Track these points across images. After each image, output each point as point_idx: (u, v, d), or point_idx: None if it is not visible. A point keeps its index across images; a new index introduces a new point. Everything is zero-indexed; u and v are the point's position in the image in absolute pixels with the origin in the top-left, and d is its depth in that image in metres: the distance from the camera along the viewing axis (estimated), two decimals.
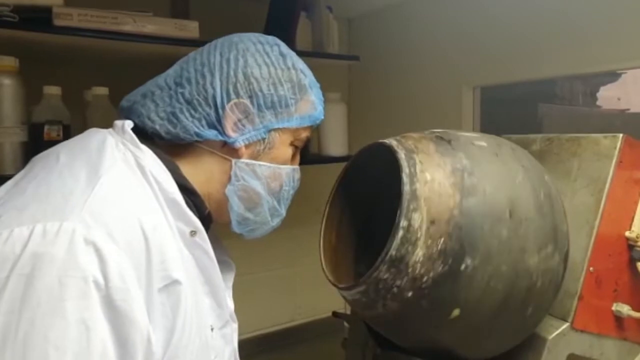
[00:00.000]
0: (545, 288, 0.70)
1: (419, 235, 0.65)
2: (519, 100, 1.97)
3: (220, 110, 0.64)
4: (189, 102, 0.64)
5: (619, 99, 2.49)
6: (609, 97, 2.55)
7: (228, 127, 0.65)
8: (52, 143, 1.11)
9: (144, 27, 1.16)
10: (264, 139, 0.67)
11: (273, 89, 0.66)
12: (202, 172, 0.66)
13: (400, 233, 0.65)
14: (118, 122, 0.65)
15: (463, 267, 0.65)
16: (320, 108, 0.72)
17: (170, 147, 0.65)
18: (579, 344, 0.76)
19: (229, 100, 0.64)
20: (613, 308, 0.78)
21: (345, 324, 1.04)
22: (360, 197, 0.86)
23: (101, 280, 0.48)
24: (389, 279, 0.66)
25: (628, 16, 1.07)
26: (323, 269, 0.81)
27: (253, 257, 1.58)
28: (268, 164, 0.69)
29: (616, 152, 0.78)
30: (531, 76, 1.34)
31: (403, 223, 0.65)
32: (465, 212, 0.66)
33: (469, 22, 1.42)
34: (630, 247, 0.79)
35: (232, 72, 0.65)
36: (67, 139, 1.11)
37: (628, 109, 2.46)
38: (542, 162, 0.83)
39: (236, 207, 0.69)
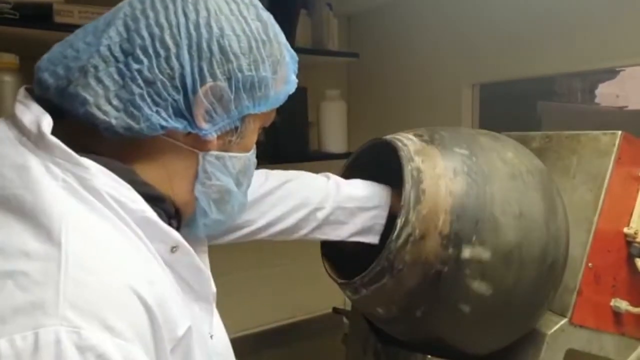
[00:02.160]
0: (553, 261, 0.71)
1: (423, 225, 0.67)
2: (518, 98, 1.98)
3: (190, 96, 0.49)
4: (150, 84, 0.48)
5: (617, 96, 2.49)
6: (607, 94, 2.55)
7: (199, 115, 0.51)
8: None
9: None
10: (236, 128, 0.55)
11: (254, 69, 0.52)
12: (162, 169, 0.53)
13: (404, 227, 0.66)
14: (26, 120, 0.46)
15: (469, 252, 0.66)
16: (293, 78, 0.59)
17: (116, 143, 0.49)
18: (577, 339, 0.77)
19: (202, 82, 0.50)
20: (611, 303, 0.79)
21: (346, 319, 1.05)
22: None
23: None
24: (395, 271, 0.67)
25: (626, 13, 1.07)
26: (325, 268, 0.81)
27: (253, 254, 1.58)
28: (239, 155, 0.57)
29: (615, 149, 0.79)
30: (530, 74, 1.35)
31: (407, 216, 0.66)
32: (467, 200, 0.67)
33: (468, 20, 1.42)
34: (629, 243, 0.80)
35: (204, 44, 0.49)
36: None
37: (626, 106, 2.47)
38: (542, 159, 0.83)
39: (209, 210, 0.57)
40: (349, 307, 1.05)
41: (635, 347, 0.79)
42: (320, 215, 0.75)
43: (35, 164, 0.44)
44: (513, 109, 1.94)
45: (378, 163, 0.81)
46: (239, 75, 0.52)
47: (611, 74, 2.42)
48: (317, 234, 0.77)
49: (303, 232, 0.76)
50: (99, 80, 0.48)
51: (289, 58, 0.58)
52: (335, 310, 1.11)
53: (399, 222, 0.67)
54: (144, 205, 0.48)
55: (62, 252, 0.40)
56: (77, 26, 1.09)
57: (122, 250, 0.44)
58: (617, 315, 0.79)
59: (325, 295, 1.36)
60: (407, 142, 0.73)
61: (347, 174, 0.85)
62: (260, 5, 0.56)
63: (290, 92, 0.59)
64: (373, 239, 0.77)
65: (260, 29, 0.54)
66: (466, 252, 0.66)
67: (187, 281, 0.54)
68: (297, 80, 0.59)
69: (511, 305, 0.69)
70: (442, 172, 0.69)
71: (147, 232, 0.47)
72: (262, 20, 0.55)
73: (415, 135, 0.76)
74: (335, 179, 0.79)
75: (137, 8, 0.50)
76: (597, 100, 2.58)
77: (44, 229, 0.41)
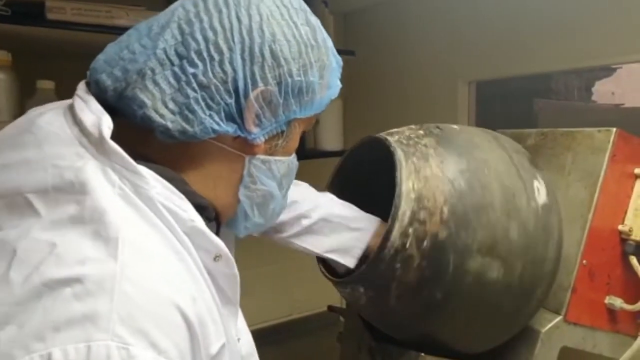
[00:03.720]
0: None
1: (417, 220, 0.67)
2: (514, 95, 1.98)
3: (242, 100, 0.50)
4: (204, 88, 0.48)
5: (613, 94, 2.50)
6: (604, 91, 2.56)
7: (249, 119, 0.51)
8: None
9: (137, 21, 1.14)
10: (282, 132, 0.55)
11: (303, 74, 0.53)
12: (208, 174, 0.53)
13: (399, 221, 0.66)
14: (87, 121, 0.47)
15: (465, 249, 0.66)
16: (337, 82, 0.59)
17: (165, 146, 0.50)
18: (572, 337, 0.77)
19: (254, 87, 0.50)
20: (606, 301, 0.79)
21: (341, 318, 1.04)
22: (355, 191, 0.86)
23: None
24: (391, 268, 0.67)
25: (623, 10, 1.07)
26: (320, 267, 0.81)
27: (248, 252, 1.58)
28: (283, 159, 0.57)
29: (610, 146, 0.78)
30: (526, 71, 1.35)
31: (400, 211, 0.66)
32: (461, 193, 0.68)
33: (464, 17, 1.42)
34: (623, 240, 0.80)
35: (256, 48, 0.50)
36: None
37: (623, 104, 2.47)
38: (537, 157, 0.83)
39: (251, 214, 0.58)
40: (344, 306, 1.05)
41: (630, 345, 0.79)
42: (305, 222, 0.75)
43: (93, 169, 0.44)
44: (509, 106, 1.94)
45: (372, 160, 0.80)
46: (289, 79, 0.52)
47: (608, 71, 2.42)
48: (296, 240, 0.76)
49: (284, 234, 0.76)
50: (156, 83, 0.48)
51: (335, 63, 0.58)
52: (330, 308, 1.10)
53: (398, 210, 0.67)
54: (194, 214, 0.49)
55: (117, 265, 0.40)
56: (69, 23, 1.10)
57: (170, 265, 0.44)
58: (611, 312, 0.79)
59: (321, 293, 1.36)
60: (399, 139, 0.73)
61: (341, 172, 0.85)
62: (308, 9, 0.56)
63: (333, 97, 0.59)
64: (349, 261, 0.75)
65: (309, 33, 0.54)
66: (465, 238, 0.66)
67: (223, 288, 0.53)
68: (340, 85, 0.59)
69: (510, 290, 0.70)
70: (434, 162, 0.70)
71: (194, 241, 0.48)
72: (311, 25, 0.55)
73: (408, 131, 0.76)
74: (331, 196, 0.80)
75: (190, 11, 0.50)
76: (593, 97, 2.59)
77: (101, 239, 0.41)
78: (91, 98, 0.50)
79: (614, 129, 0.79)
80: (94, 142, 0.46)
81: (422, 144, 0.73)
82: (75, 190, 0.43)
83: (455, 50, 1.45)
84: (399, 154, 0.70)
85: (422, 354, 0.74)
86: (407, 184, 0.68)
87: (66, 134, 0.47)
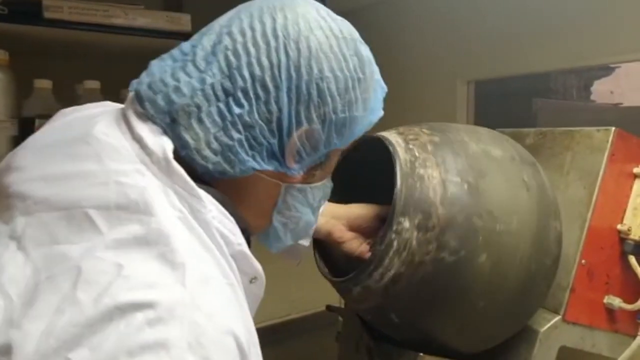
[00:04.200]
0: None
1: (416, 217, 0.67)
2: (513, 95, 1.98)
3: (285, 139, 0.49)
4: (248, 129, 0.48)
5: (611, 93, 2.50)
6: (602, 91, 2.56)
7: (289, 156, 0.50)
8: None
9: (135, 20, 1.15)
10: (322, 162, 0.55)
11: (348, 110, 0.51)
12: (246, 199, 0.52)
13: (398, 216, 0.66)
14: (148, 140, 0.45)
15: (462, 250, 0.66)
16: (380, 110, 0.58)
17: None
18: (570, 337, 0.77)
19: (298, 126, 0.49)
20: (604, 300, 0.79)
21: (339, 317, 1.04)
22: (354, 190, 0.85)
23: None
24: (389, 265, 0.67)
25: (622, 9, 1.07)
26: (318, 266, 0.81)
27: None
28: (320, 184, 0.57)
29: (608, 145, 0.78)
30: (525, 70, 1.35)
31: (399, 207, 0.67)
32: (459, 192, 0.68)
33: (463, 16, 1.42)
34: (622, 239, 0.79)
35: (304, 86, 0.48)
36: None
37: (621, 103, 2.47)
38: (536, 156, 0.83)
39: (284, 238, 0.58)
40: (342, 306, 1.05)
41: (629, 344, 0.79)
42: None
43: (157, 190, 0.43)
44: (508, 106, 1.94)
45: (372, 159, 0.80)
46: (333, 117, 0.51)
47: (606, 70, 2.42)
48: None
49: None
50: (201, 121, 0.47)
51: (380, 93, 0.57)
52: (328, 308, 1.10)
53: (397, 206, 0.67)
54: (241, 238, 0.49)
55: (186, 292, 0.39)
56: (66, 22, 1.09)
57: (225, 292, 0.44)
58: (610, 312, 0.79)
59: (319, 293, 1.36)
60: (398, 138, 0.74)
61: (340, 172, 0.84)
62: (359, 38, 0.55)
63: (374, 122, 0.57)
64: (304, 242, 0.75)
65: (357, 65, 0.52)
66: (465, 232, 0.66)
67: (249, 309, 0.53)
68: (382, 113, 0.58)
69: (512, 284, 0.69)
70: (432, 159, 0.70)
71: (238, 264, 0.47)
72: (360, 55, 0.53)
73: (407, 130, 0.76)
74: None
75: (238, 41, 0.48)
76: (592, 97, 2.59)
77: (168, 263, 0.40)
78: (146, 118, 0.48)
79: (613, 129, 0.79)
80: (156, 162, 0.45)
81: (419, 141, 0.73)
82: (139, 210, 0.42)
83: (454, 50, 1.45)
84: (397, 152, 0.70)
85: (421, 354, 0.74)
86: (406, 181, 0.68)
87: (126, 150, 0.46)
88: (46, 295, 0.38)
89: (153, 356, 0.36)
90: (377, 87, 0.56)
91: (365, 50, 0.54)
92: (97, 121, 0.48)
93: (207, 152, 0.47)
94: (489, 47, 1.35)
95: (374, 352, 0.84)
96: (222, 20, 0.51)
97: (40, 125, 1.08)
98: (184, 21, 1.22)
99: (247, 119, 0.47)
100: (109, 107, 0.53)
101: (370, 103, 0.55)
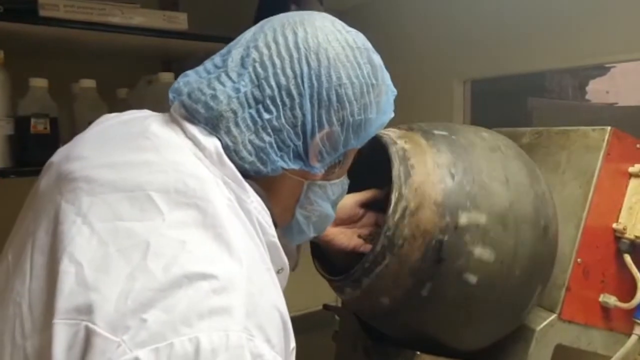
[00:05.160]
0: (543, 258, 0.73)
1: (413, 214, 0.67)
2: (509, 94, 1.98)
3: (309, 140, 0.55)
4: (277, 132, 0.54)
5: (607, 92, 2.51)
6: (598, 90, 2.57)
7: (312, 156, 0.56)
8: (39, 136, 1.11)
9: (131, 19, 1.15)
10: (340, 161, 0.60)
11: (363, 113, 0.57)
12: (274, 195, 0.57)
13: (396, 213, 0.67)
14: (200, 137, 0.52)
15: (461, 244, 0.67)
16: (391, 111, 0.63)
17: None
18: (566, 335, 0.77)
19: (320, 129, 0.55)
20: (600, 299, 0.79)
21: (336, 316, 1.04)
22: (350, 190, 0.86)
23: None
24: (389, 262, 0.68)
25: (617, 10, 1.07)
26: (315, 265, 0.81)
27: None
28: (338, 181, 0.62)
29: (604, 144, 0.79)
30: (521, 69, 1.35)
31: (396, 203, 0.67)
32: (455, 170, 0.70)
33: (460, 16, 1.42)
34: (618, 238, 0.80)
35: (324, 93, 0.54)
36: (54, 133, 1.11)
37: (616, 103, 2.48)
38: (532, 155, 0.83)
39: (307, 230, 0.63)
40: (339, 305, 1.05)
41: (624, 342, 0.79)
42: None
43: (211, 180, 0.49)
44: (504, 105, 1.95)
45: (368, 159, 0.80)
46: (350, 119, 0.56)
47: (602, 70, 2.43)
48: None
49: None
50: (237, 125, 0.53)
51: (390, 96, 0.62)
52: (325, 307, 1.10)
53: (393, 197, 0.68)
54: (274, 230, 0.53)
55: (243, 267, 0.44)
56: (62, 20, 1.09)
57: (267, 274, 0.48)
58: (605, 310, 0.80)
59: (316, 292, 1.36)
60: (389, 132, 0.75)
61: None
62: (371, 47, 0.60)
63: (386, 123, 0.63)
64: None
65: (370, 72, 0.58)
66: (463, 218, 0.67)
67: None
68: (393, 114, 0.63)
69: (511, 275, 0.70)
70: (426, 149, 0.72)
71: (271, 254, 0.52)
72: (373, 63, 0.59)
73: (401, 128, 0.77)
74: None
75: (264, 54, 0.54)
76: (587, 96, 2.60)
77: (224, 243, 0.45)
78: (194, 121, 0.54)
79: (609, 128, 0.80)
80: (209, 156, 0.51)
81: (414, 138, 0.74)
82: (196, 195, 0.47)
83: (450, 49, 1.45)
84: (392, 148, 0.71)
85: (418, 353, 0.74)
86: (401, 175, 0.69)
87: (181, 145, 0.52)
88: (119, 263, 0.42)
89: (219, 319, 0.41)
90: (388, 91, 0.62)
91: (377, 59, 0.60)
92: (151, 122, 0.54)
93: (244, 154, 0.53)
94: (485, 46, 1.35)
95: (371, 351, 0.84)
96: (248, 34, 0.57)
97: (36, 124, 1.08)
98: (180, 20, 1.21)
99: (276, 123, 0.53)
100: (151, 113, 0.59)
101: (383, 106, 0.60)
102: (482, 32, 1.35)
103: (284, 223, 0.61)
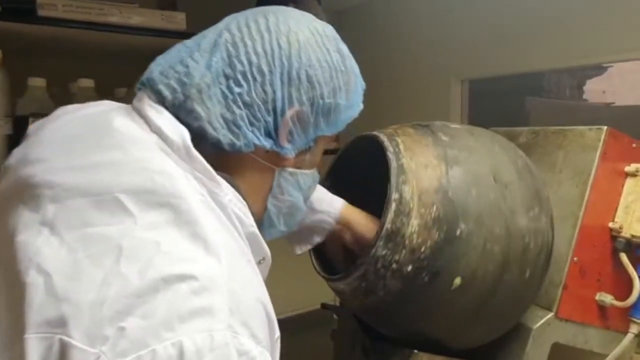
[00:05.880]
0: (539, 250, 0.72)
1: (411, 206, 0.68)
2: (506, 94, 1.99)
3: (279, 118, 0.55)
4: (248, 107, 0.54)
5: (604, 92, 2.52)
6: (595, 90, 2.58)
7: (283, 136, 0.56)
8: None
9: (130, 19, 1.15)
10: (310, 147, 0.60)
11: (333, 97, 0.58)
12: (244, 183, 0.57)
13: (394, 206, 0.67)
14: (167, 129, 0.50)
15: (458, 232, 0.67)
16: (359, 103, 0.63)
17: (215, 159, 0.53)
18: (563, 333, 0.77)
19: (290, 106, 0.55)
20: (596, 298, 0.80)
21: (335, 315, 1.05)
22: (348, 190, 0.86)
23: None
24: (388, 255, 0.68)
25: (614, 9, 1.08)
26: (313, 264, 0.81)
27: None
28: (308, 172, 0.62)
29: (600, 144, 0.79)
30: (519, 69, 1.35)
31: (395, 196, 0.68)
32: (452, 180, 0.69)
33: (457, 16, 1.42)
34: (614, 237, 0.80)
35: (294, 72, 0.55)
36: None
37: (613, 102, 2.49)
38: (528, 155, 0.84)
39: (277, 223, 0.62)
40: (337, 303, 1.05)
41: (620, 341, 0.80)
42: None
43: (180, 175, 0.47)
44: (502, 104, 1.95)
45: (365, 159, 0.81)
46: (320, 101, 0.57)
47: (599, 70, 2.44)
48: None
49: None
50: (210, 98, 0.53)
51: (359, 87, 0.63)
52: (324, 306, 1.11)
53: (389, 199, 0.68)
54: (252, 220, 0.53)
55: (222, 265, 0.43)
56: (60, 20, 1.09)
57: (247, 267, 0.48)
58: (602, 309, 0.80)
59: (314, 291, 1.36)
60: (388, 132, 0.75)
61: (334, 171, 0.85)
62: (339, 38, 0.62)
63: (354, 117, 0.64)
64: (316, 238, 0.79)
65: (339, 60, 0.59)
66: (458, 222, 0.67)
67: None
68: (362, 106, 0.64)
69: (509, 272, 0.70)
70: (424, 150, 0.72)
71: (251, 245, 0.51)
72: (341, 52, 0.60)
73: (397, 127, 0.77)
74: None
75: (236, 35, 0.55)
76: (585, 96, 2.61)
77: (200, 240, 0.43)
78: (162, 108, 0.53)
79: (605, 127, 0.80)
80: (176, 150, 0.49)
81: (409, 134, 0.75)
82: (167, 193, 0.45)
83: (448, 49, 1.46)
84: (388, 145, 0.72)
85: (416, 351, 0.74)
86: (399, 170, 0.69)
87: (146, 140, 0.50)
88: (90, 270, 0.40)
89: (201, 320, 0.40)
90: (357, 82, 0.63)
91: (345, 49, 0.61)
92: (113, 116, 0.52)
93: (217, 124, 0.53)
94: (483, 46, 1.36)
95: (369, 350, 0.84)
96: (221, 23, 0.58)
97: (33, 124, 1.08)
98: (178, 19, 1.21)
99: (247, 98, 0.54)
100: (112, 106, 0.57)
101: (352, 95, 0.61)
102: (479, 32, 1.36)
103: (257, 216, 0.60)
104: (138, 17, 1.16)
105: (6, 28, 1.06)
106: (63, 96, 1.22)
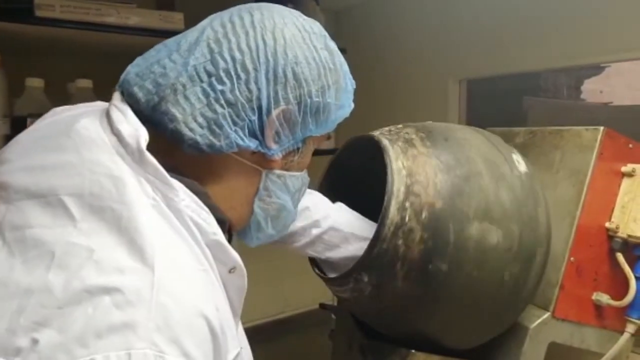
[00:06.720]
0: (536, 250, 0.74)
1: (408, 207, 0.68)
2: (504, 93, 1.99)
3: (264, 117, 0.52)
4: (231, 105, 0.51)
5: (601, 92, 2.52)
6: (592, 90, 2.58)
7: (270, 136, 0.53)
8: None
9: (127, 19, 1.15)
10: (298, 149, 0.58)
11: (321, 95, 0.55)
12: (227, 186, 0.55)
13: (391, 207, 0.68)
14: (124, 131, 0.48)
15: (456, 233, 0.68)
16: (350, 103, 0.61)
17: (190, 159, 0.51)
18: (560, 333, 0.78)
19: (276, 105, 0.53)
20: (593, 297, 0.80)
21: (333, 315, 1.05)
22: (346, 190, 0.86)
23: None
24: (386, 255, 0.68)
25: (612, 9, 1.08)
26: (312, 266, 0.81)
27: (240, 250, 1.58)
28: (297, 174, 0.60)
29: (597, 144, 0.79)
30: (517, 69, 1.36)
31: (392, 197, 0.68)
32: (450, 180, 0.70)
33: (455, 15, 1.43)
34: (610, 237, 0.81)
35: (280, 69, 0.52)
36: None
37: (611, 102, 2.50)
38: (526, 155, 0.84)
39: (265, 226, 0.60)
40: (336, 303, 1.05)
41: (617, 340, 0.80)
42: (315, 231, 0.76)
43: (130, 179, 0.45)
44: (499, 104, 1.96)
45: (363, 159, 0.81)
46: (308, 100, 0.55)
47: (596, 70, 2.45)
48: (309, 249, 0.78)
49: (296, 244, 0.77)
50: (187, 98, 0.50)
51: (349, 86, 0.61)
52: (322, 306, 1.11)
53: (393, 185, 0.68)
54: (216, 228, 0.50)
55: (154, 275, 0.41)
56: (58, 20, 1.09)
57: (197, 276, 0.45)
58: (598, 308, 0.81)
59: (313, 291, 1.36)
60: (386, 132, 0.76)
61: (331, 171, 0.85)
62: (327, 35, 0.59)
63: (345, 117, 0.61)
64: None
65: (327, 57, 0.57)
66: (460, 205, 0.68)
67: (232, 300, 0.54)
68: (352, 106, 0.62)
69: (511, 255, 0.71)
70: (419, 144, 0.73)
71: (214, 253, 0.49)
72: (330, 49, 0.58)
73: (395, 127, 0.78)
74: (342, 205, 0.81)
75: (219, 32, 0.52)
76: (582, 96, 2.61)
77: (137, 248, 0.42)
78: (128, 109, 0.51)
79: (602, 128, 0.80)
80: (131, 152, 0.47)
81: (405, 132, 0.76)
82: (112, 198, 0.44)
83: (446, 49, 1.46)
84: (385, 142, 0.73)
85: (413, 351, 0.75)
86: (397, 163, 0.70)
87: (104, 142, 0.48)
88: (20, 276, 0.40)
89: (120, 336, 0.38)
90: (347, 80, 0.60)
91: (334, 46, 0.59)
92: (81, 117, 0.50)
93: (193, 125, 0.50)
94: (481, 46, 1.36)
95: (366, 350, 0.85)
96: (204, 20, 0.56)
97: (32, 124, 1.07)
98: (176, 20, 1.21)
99: (230, 96, 0.51)
100: (98, 107, 0.55)
101: (341, 94, 0.59)
102: (477, 32, 1.36)
103: (243, 219, 0.59)
104: (136, 18, 1.16)
105: (4, 28, 1.05)
106: (61, 96, 1.22)
